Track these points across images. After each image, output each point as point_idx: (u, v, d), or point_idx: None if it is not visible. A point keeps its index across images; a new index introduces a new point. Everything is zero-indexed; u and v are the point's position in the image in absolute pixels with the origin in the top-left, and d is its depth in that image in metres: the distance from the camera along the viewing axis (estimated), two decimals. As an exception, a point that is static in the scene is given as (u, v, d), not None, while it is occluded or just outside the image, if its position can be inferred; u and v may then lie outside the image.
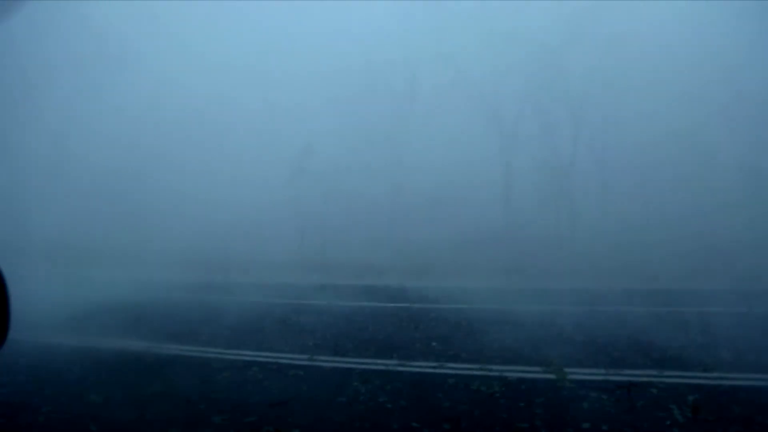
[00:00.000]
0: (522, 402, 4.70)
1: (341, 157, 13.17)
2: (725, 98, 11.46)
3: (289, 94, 13.51)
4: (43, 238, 12.91)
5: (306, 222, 13.47)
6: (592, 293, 10.06)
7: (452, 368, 5.70)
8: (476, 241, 12.11)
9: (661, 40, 11.88)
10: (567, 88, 12.45)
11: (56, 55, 13.72)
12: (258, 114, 13.90)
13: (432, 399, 4.87)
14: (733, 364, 5.51)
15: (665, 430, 4.11)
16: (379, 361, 6.01)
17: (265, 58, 13.46)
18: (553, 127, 12.84)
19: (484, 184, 12.75)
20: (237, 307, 9.47)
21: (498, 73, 12.60)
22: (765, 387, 4.95)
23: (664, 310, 8.45)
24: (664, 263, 10.59)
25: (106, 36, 13.57)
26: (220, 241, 12.89)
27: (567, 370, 5.46)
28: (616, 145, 12.55)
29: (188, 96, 13.62)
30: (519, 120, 12.83)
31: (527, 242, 11.94)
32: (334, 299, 10.30)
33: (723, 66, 11.56)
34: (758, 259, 10.25)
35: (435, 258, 11.95)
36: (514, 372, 5.50)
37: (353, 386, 5.21)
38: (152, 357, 6.38)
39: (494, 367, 5.68)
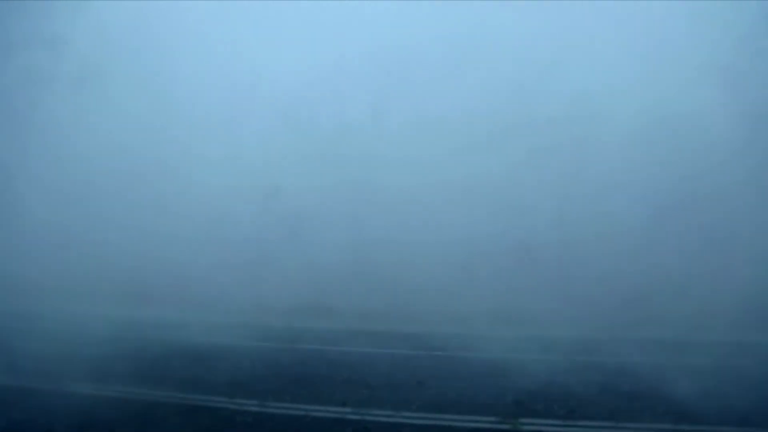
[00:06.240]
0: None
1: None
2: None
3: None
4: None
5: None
6: (547, 340, 9.92)
7: (407, 417, 5.55)
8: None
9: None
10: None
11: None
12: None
13: (384, 450, 4.72)
14: (692, 416, 5.47)
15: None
16: (331, 408, 5.83)
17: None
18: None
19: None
20: (189, 347, 9.13)
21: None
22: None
23: (630, 360, 8.23)
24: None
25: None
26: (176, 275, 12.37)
27: (522, 420, 5.38)
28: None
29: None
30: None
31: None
32: (288, 342, 10.00)
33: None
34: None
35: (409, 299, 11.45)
36: (469, 422, 5.39)
37: (304, 435, 5.02)
38: (92, 399, 6.05)
39: (449, 416, 5.56)
